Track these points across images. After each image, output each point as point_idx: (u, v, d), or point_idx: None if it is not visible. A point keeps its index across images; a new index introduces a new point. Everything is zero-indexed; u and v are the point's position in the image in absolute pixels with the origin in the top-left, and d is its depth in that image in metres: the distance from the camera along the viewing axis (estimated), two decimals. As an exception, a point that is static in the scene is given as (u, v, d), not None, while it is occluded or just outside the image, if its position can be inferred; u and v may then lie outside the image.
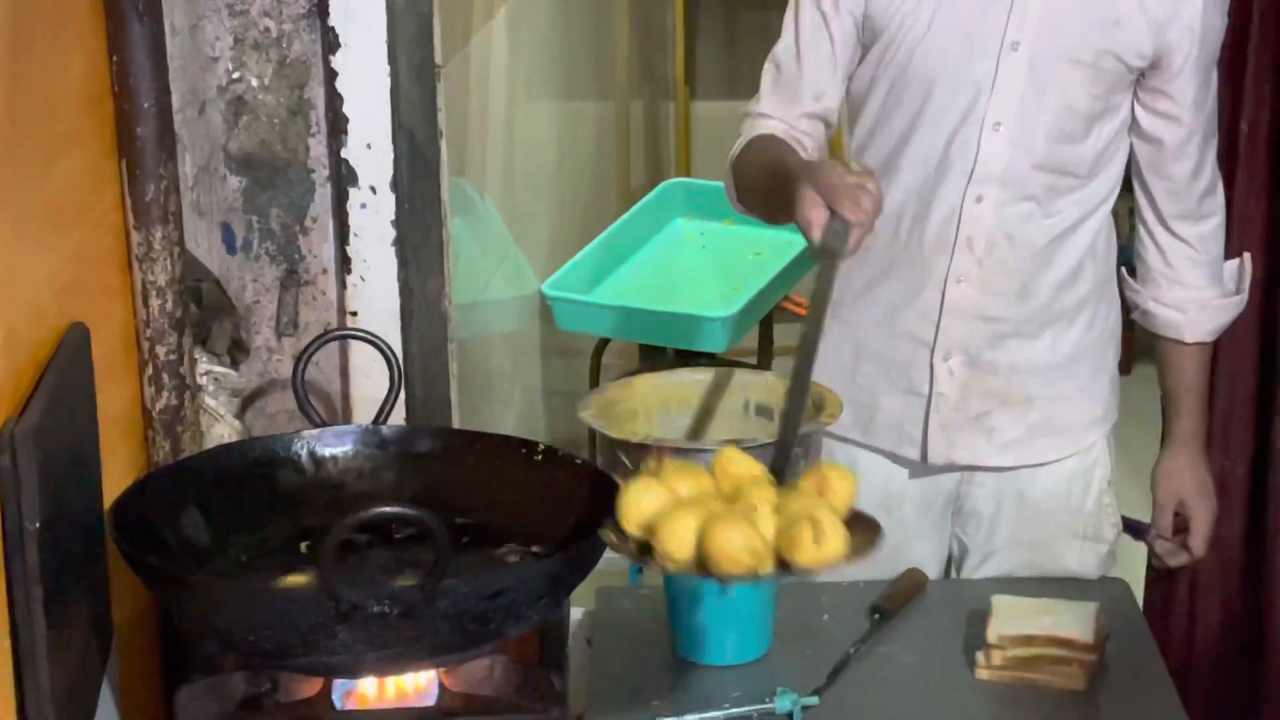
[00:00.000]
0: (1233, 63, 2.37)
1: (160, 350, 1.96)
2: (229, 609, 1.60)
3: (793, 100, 2.11)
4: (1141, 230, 2.19)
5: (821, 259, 1.74)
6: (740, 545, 1.52)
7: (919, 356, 2.15)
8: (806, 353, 1.73)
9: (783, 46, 2.13)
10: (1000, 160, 2.06)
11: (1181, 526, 2.25)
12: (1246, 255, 2.24)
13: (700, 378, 2.08)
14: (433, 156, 2.06)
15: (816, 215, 1.73)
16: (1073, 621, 1.91)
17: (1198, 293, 2.18)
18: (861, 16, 2.08)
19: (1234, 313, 2.22)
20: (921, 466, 2.21)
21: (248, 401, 2.12)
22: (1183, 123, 2.09)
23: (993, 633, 1.91)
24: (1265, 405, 2.54)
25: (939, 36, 2.04)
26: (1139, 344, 2.29)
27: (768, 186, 1.98)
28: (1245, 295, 2.22)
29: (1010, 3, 2.03)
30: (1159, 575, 2.47)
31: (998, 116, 2.05)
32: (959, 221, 2.08)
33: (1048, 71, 2.04)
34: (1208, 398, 2.26)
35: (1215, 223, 2.18)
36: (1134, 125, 2.11)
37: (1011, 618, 1.92)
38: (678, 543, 1.55)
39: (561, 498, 1.80)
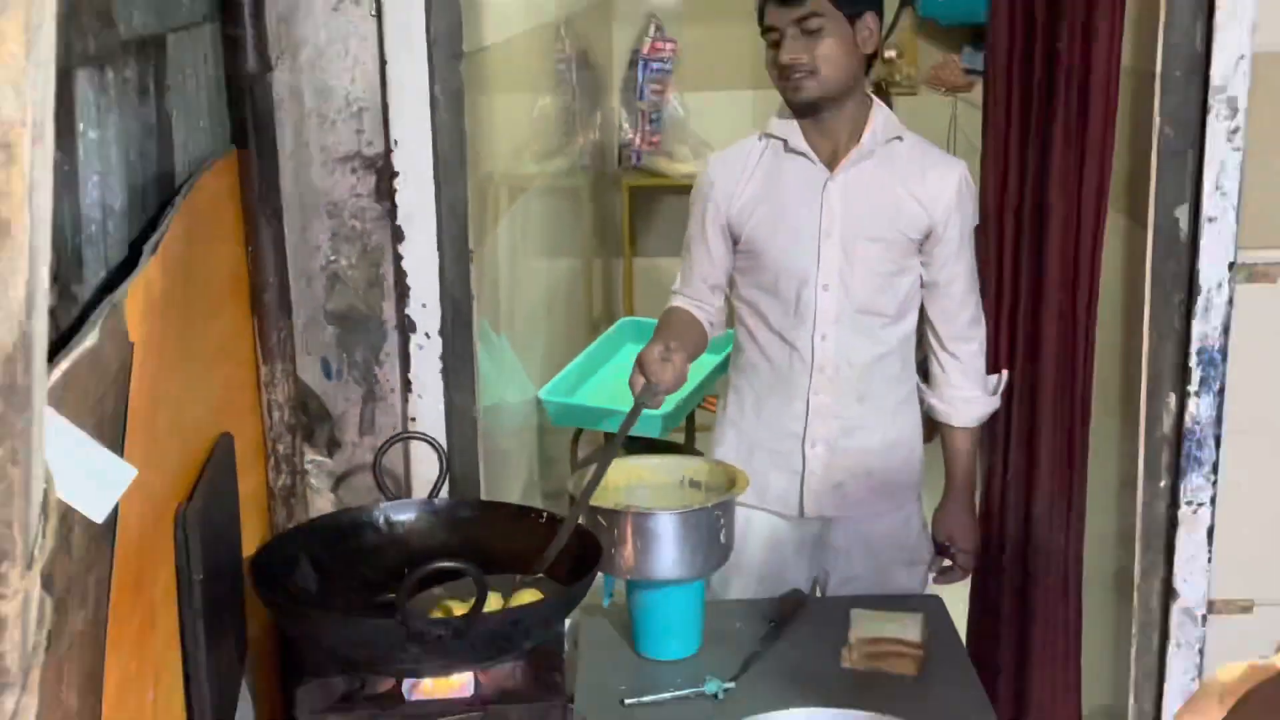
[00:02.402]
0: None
1: (280, 447, 1.97)
2: (334, 634, 1.59)
3: (688, 282, 2.22)
4: (928, 350, 2.23)
5: (634, 407, 1.94)
6: None
7: (794, 446, 2.18)
8: (593, 482, 1.85)
9: (684, 245, 2.23)
10: (831, 311, 2.11)
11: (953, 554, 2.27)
12: (1005, 372, 2.27)
13: (655, 462, 2.09)
14: (467, 312, 2.07)
15: (636, 381, 1.98)
16: (908, 627, 1.92)
17: (964, 392, 2.21)
18: (725, 225, 2.16)
19: (989, 408, 2.24)
20: (798, 519, 2.23)
21: (339, 481, 2.11)
22: (946, 270, 2.13)
23: (853, 635, 1.92)
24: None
25: (777, 234, 2.11)
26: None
27: None
28: (998, 398, 2.25)
29: (820, 205, 2.09)
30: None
31: (825, 281, 2.10)
32: (813, 354, 2.13)
33: (854, 248, 2.09)
34: (973, 466, 2.27)
35: (978, 344, 2.20)
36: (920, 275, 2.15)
37: (865, 625, 1.94)
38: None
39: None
